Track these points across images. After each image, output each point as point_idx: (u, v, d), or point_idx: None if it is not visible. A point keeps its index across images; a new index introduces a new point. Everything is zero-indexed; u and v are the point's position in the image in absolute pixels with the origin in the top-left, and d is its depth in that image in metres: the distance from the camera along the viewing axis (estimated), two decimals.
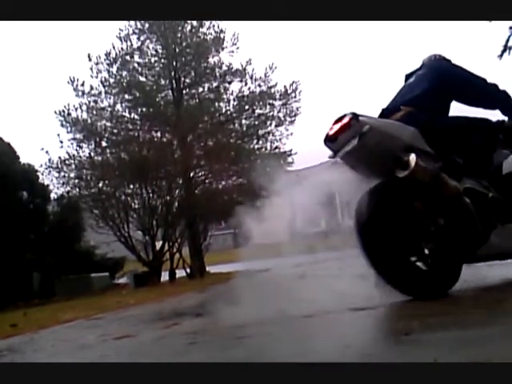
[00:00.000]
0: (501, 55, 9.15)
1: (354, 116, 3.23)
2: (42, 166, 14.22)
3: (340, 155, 3.35)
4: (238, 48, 15.82)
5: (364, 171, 3.47)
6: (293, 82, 15.70)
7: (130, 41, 15.54)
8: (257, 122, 15.77)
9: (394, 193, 3.29)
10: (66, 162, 14.56)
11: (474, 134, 3.52)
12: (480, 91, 3.72)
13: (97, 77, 15.14)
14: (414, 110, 3.53)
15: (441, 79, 3.68)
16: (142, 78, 15.69)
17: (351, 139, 3.22)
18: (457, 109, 3.81)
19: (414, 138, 3.37)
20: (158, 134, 15.46)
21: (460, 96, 3.70)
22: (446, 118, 3.67)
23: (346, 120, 3.23)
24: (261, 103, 15.63)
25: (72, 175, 14.68)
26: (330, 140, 3.37)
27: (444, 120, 3.63)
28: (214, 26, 15.78)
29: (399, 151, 3.21)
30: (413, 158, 3.13)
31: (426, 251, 3.34)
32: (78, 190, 14.72)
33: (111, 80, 15.21)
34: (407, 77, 3.95)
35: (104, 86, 15.12)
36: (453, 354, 1.87)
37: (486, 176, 3.43)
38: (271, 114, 15.74)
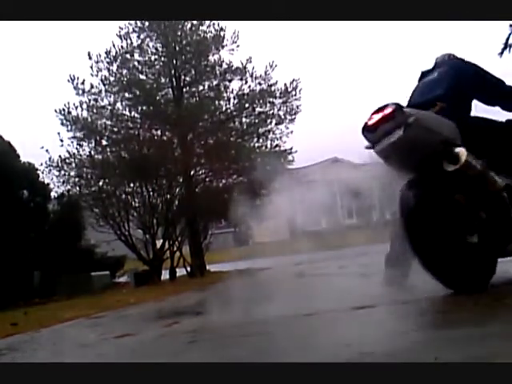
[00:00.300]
0: (501, 53, 9.15)
1: (398, 106, 3.17)
2: (42, 164, 14.24)
3: (381, 146, 3.25)
4: (238, 46, 15.80)
5: (401, 164, 3.38)
6: (293, 80, 15.68)
7: (130, 39, 15.52)
8: (257, 120, 15.75)
9: (438, 186, 3.26)
10: (67, 160, 14.55)
11: (503, 134, 3.60)
12: (500, 91, 3.77)
13: (97, 75, 15.13)
14: (447, 106, 3.50)
15: (464, 78, 3.69)
16: (142, 77, 15.67)
17: (394, 130, 3.15)
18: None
19: (454, 133, 3.36)
20: (159, 133, 15.44)
21: (481, 95, 3.75)
22: (476, 117, 3.70)
23: (388, 110, 3.16)
24: (261, 101, 15.61)
25: (72, 174, 14.67)
26: (368, 130, 3.28)
27: (475, 119, 3.66)
28: (214, 24, 15.75)
29: (443, 145, 3.19)
30: (463, 152, 3.11)
31: (469, 244, 3.31)
32: (78, 188, 14.72)
33: (111, 78, 15.19)
34: (424, 74, 3.94)
35: (104, 85, 15.11)
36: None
37: None
38: (271, 112, 15.72)
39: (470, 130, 3.45)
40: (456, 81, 3.71)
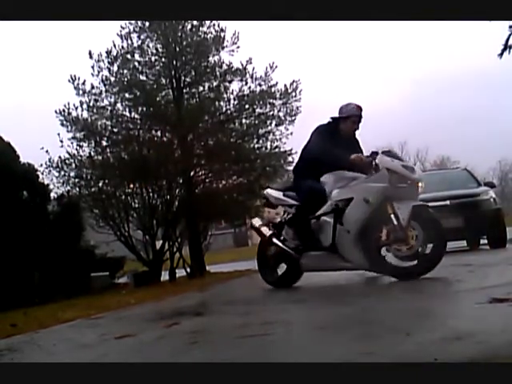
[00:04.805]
0: (501, 54, 9.16)
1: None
2: (42, 165, 14.22)
3: None
4: (238, 47, 15.81)
5: None
6: (293, 81, 15.69)
7: (131, 39, 15.52)
8: (257, 122, 15.74)
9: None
10: (66, 161, 14.53)
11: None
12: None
13: (98, 75, 15.13)
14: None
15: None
16: (143, 77, 15.67)
17: None
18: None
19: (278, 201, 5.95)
20: (159, 134, 15.44)
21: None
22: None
23: None
24: (261, 102, 15.60)
25: (72, 174, 14.66)
26: None
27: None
28: (214, 25, 15.76)
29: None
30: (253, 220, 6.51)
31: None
32: (78, 189, 14.70)
33: (112, 78, 15.19)
34: None
35: (105, 85, 15.11)
36: None
37: None
38: (271, 113, 15.72)
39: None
40: (302, 150, 5.79)
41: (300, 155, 5.89)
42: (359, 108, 5.49)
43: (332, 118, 5.56)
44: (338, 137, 5.41)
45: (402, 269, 4.86)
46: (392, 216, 4.77)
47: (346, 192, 5.12)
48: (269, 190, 6.16)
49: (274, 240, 5.75)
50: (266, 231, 5.85)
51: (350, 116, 5.46)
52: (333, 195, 5.23)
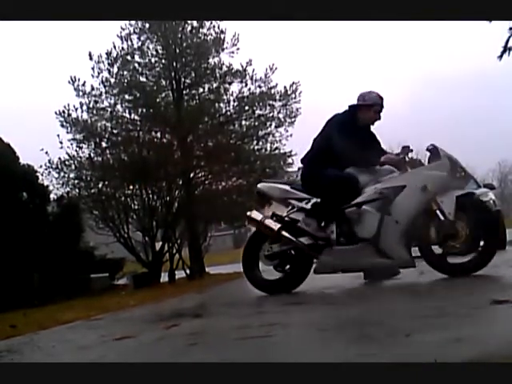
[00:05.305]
0: (500, 56, 9.17)
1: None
2: (41, 166, 14.24)
3: None
4: (238, 49, 15.85)
5: None
6: (293, 83, 15.71)
7: (131, 40, 15.56)
8: (257, 123, 15.77)
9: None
10: (66, 162, 14.56)
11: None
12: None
13: (98, 76, 15.15)
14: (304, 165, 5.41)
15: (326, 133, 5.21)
16: (143, 79, 15.70)
17: None
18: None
19: (284, 193, 5.29)
20: (158, 135, 15.46)
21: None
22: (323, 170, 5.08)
23: None
24: (261, 104, 15.63)
25: (72, 176, 14.68)
26: None
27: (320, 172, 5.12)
28: (214, 26, 15.80)
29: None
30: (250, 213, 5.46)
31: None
32: (77, 190, 14.72)
33: (112, 80, 15.21)
34: None
35: (105, 86, 15.13)
36: None
37: None
38: (271, 114, 15.74)
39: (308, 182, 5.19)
40: (318, 139, 5.27)
41: (317, 145, 5.29)
42: (381, 97, 5.18)
43: (351, 106, 5.19)
44: (356, 127, 5.09)
45: (456, 265, 4.58)
46: (437, 211, 4.54)
47: (397, 179, 4.77)
48: (266, 184, 5.54)
49: (285, 234, 5.08)
50: (273, 224, 5.16)
51: (374, 104, 5.13)
52: (377, 183, 4.83)
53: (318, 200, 5.05)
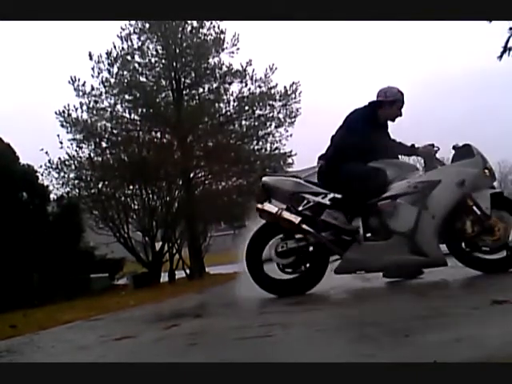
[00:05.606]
0: (500, 56, 9.18)
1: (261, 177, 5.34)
2: (41, 166, 14.26)
3: None
4: (238, 49, 15.86)
5: None
6: (293, 83, 15.73)
7: (131, 41, 15.59)
8: (257, 123, 15.78)
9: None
10: (66, 162, 14.57)
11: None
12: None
13: (98, 76, 15.17)
14: (325, 162, 5.07)
15: (353, 130, 4.93)
16: (143, 79, 15.71)
17: None
18: None
19: (296, 187, 4.93)
20: (158, 135, 15.48)
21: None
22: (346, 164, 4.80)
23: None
24: (261, 104, 15.65)
25: (72, 176, 14.70)
26: None
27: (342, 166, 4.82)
28: (214, 26, 15.81)
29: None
30: (260, 205, 4.96)
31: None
32: (77, 190, 14.74)
33: (112, 80, 15.23)
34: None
35: (105, 86, 15.15)
36: None
37: None
38: (271, 115, 15.76)
39: (331, 176, 4.87)
40: (341, 133, 5.03)
41: (339, 140, 5.04)
42: (402, 93, 5.08)
43: (372, 102, 5.06)
44: (377, 123, 5.01)
45: (490, 262, 4.51)
46: (474, 206, 4.50)
47: (431, 174, 4.68)
48: (274, 178, 5.19)
49: (306, 227, 4.69)
50: (293, 217, 4.72)
51: (396, 100, 5.03)
52: (404, 178, 4.71)
53: (337, 195, 4.77)
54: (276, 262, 4.81)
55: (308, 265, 4.84)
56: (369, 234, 4.66)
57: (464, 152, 4.75)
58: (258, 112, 15.70)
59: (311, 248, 4.82)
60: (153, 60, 15.79)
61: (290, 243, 4.78)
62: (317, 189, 4.87)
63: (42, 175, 14.21)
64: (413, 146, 4.98)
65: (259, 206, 4.93)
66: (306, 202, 4.82)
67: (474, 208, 4.53)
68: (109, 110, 15.17)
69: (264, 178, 5.21)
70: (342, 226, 4.64)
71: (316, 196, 4.82)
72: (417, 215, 4.46)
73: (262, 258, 4.90)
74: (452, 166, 4.79)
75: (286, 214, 4.73)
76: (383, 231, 4.59)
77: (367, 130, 4.78)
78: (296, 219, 4.67)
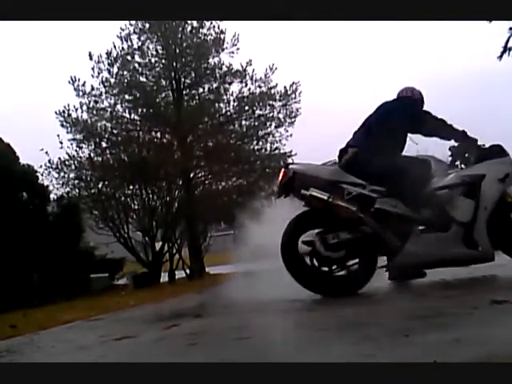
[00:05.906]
0: (500, 56, 9.18)
1: (286, 166, 4.74)
2: (41, 166, 14.26)
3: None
4: (238, 49, 15.86)
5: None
6: (293, 83, 15.73)
7: (131, 41, 15.59)
8: (257, 123, 15.79)
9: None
10: (66, 162, 14.58)
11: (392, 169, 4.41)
12: (436, 128, 4.69)
13: (98, 76, 15.17)
14: (359, 151, 4.54)
15: (394, 119, 4.58)
16: (143, 79, 15.71)
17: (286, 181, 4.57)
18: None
19: (333, 175, 4.47)
20: (158, 135, 15.49)
21: (418, 131, 4.69)
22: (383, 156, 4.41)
23: (282, 170, 4.67)
24: (261, 104, 15.65)
25: (72, 176, 14.70)
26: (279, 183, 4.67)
27: (378, 158, 4.39)
28: (214, 26, 15.82)
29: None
30: (307, 191, 4.36)
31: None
32: (77, 190, 14.75)
33: (112, 80, 15.23)
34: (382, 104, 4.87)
35: (105, 86, 15.15)
36: None
37: None
38: (271, 114, 15.76)
39: (371, 166, 4.36)
40: (381, 123, 4.63)
41: (380, 130, 4.58)
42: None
43: (402, 97, 4.96)
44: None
45: None
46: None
47: (476, 168, 4.59)
48: (305, 164, 4.73)
49: (366, 217, 4.22)
50: (349, 206, 4.25)
51: (423, 99, 5.02)
52: (456, 170, 4.75)
53: (376, 187, 4.35)
54: (325, 256, 4.29)
55: (358, 260, 4.40)
56: (432, 223, 4.34)
57: (497, 151, 4.73)
58: (258, 112, 15.71)
59: (362, 241, 4.33)
60: (153, 60, 15.80)
61: (342, 235, 4.30)
62: (355, 179, 4.41)
63: (42, 175, 14.24)
64: (464, 132, 4.79)
65: (305, 192, 4.37)
66: (346, 192, 4.35)
67: None
68: (109, 110, 15.18)
69: (292, 166, 4.73)
70: (407, 213, 4.22)
71: (355, 187, 4.37)
72: (474, 206, 4.28)
73: (299, 252, 4.39)
74: (494, 161, 4.65)
75: (341, 203, 4.26)
76: (443, 222, 4.30)
77: (427, 115, 4.65)
78: (352, 207, 4.22)
